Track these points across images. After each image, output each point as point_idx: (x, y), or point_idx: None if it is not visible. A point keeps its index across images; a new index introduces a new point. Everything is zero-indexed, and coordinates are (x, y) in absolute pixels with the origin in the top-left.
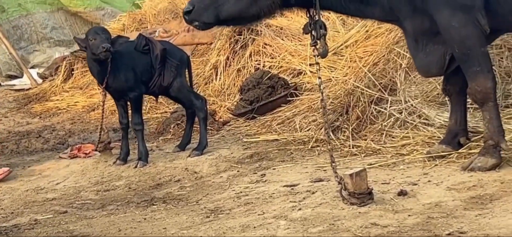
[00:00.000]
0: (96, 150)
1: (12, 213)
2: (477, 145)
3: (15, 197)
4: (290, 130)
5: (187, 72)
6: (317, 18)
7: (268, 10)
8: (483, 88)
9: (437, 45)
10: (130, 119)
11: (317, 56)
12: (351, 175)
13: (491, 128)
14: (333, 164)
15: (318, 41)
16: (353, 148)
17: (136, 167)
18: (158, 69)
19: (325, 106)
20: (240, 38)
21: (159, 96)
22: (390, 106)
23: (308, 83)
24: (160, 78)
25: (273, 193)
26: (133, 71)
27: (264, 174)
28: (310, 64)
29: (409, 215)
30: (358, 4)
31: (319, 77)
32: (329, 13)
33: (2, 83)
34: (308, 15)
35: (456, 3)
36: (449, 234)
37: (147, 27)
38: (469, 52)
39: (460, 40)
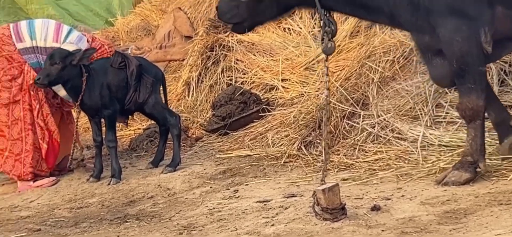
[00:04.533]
0: (69, 167)
1: None
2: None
3: None
4: (262, 145)
5: (161, 89)
6: (323, 16)
7: (277, 11)
8: (475, 106)
9: (443, 60)
10: (103, 136)
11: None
12: (323, 190)
13: (473, 145)
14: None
15: (324, 38)
16: (326, 163)
17: (109, 184)
18: (134, 85)
19: (328, 104)
20: (212, 54)
21: (133, 113)
22: (362, 121)
23: (280, 98)
24: (136, 94)
25: (246, 209)
26: (108, 88)
27: (237, 190)
28: (282, 80)
29: (382, 230)
30: (362, 10)
31: (327, 75)
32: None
33: None
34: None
35: (462, 15)
36: None
37: (119, 44)
38: (466, 69)
39: (460, 55)
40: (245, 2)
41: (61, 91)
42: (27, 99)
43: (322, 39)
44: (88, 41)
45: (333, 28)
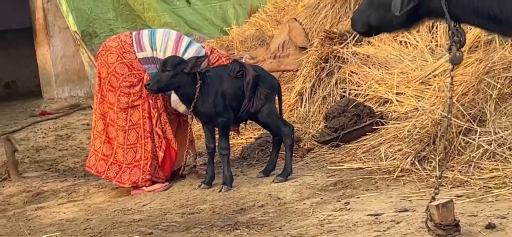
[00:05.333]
0: (181, 173)
1: (100, 233)
2: None
3: (103, 217)
4: (375, 158)
5: (276, 99)
6: (452, 26)
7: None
8: None
9: None
10: (216, 144)
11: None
12: (437, 205)
13: None
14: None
15: (452, 47)
16: (440, 179)
17: (220, 191)
18: (249, 95)
19: (450, 113)
20: (326, 65)
21: (246, 121)
22: (479, 138)
23: (394, 112)
24: (250, 104)
25: (357, 222)
26: (223, 96)
27: (348, 202)
28: (397, 93)
29: None
30: (491, 22)
31: (451, 84)
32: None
33: (92, 106)
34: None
35: None
36: None
37: (234, 53)
38: None
39: None
40: (375, 12)
41: (173, 98)
42: (146, 107)
43: (450, 49)
44: (206, 54)
45: (461, 38)
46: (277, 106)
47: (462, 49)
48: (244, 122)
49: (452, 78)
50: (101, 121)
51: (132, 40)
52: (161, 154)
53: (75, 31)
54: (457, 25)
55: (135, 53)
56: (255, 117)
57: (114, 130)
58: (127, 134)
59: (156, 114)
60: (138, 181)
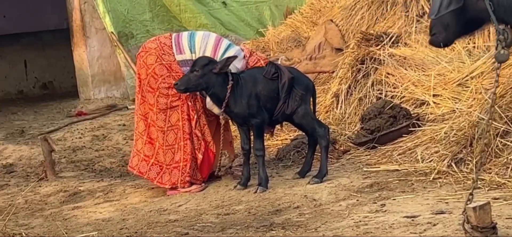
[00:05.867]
0: (217, 174)
1: (136, 232)
2: None
3: (139, 217)
4: (411, 160)
5: (311, 100)
6: (497, 26)
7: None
8: None
9: None
10: (251, 145)
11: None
12: (474, 208)
13: None
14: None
15: (498, 45)
16: (476, 181)
17: (256, 192)
18: (284, 97)
19: (491, 113)
20: (363, 67)
21: (282, 123)
22: None
23: (430, 114)
24: (285, 106)
25: (393, 224)
26: (257, 98)
27: (384, 204)
28: (434, 95)
29: None
30: None
31: (496, 81)
32: None
33: (129, 107)
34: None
35: None
36: None
37: (269, 54)
38: None
39: None
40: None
41: (208, 100)
42: (185, 109)
43: (496, 47)
44: (245, 57)
45: (507, 36)
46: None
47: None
48: (279, 124)
49: (497, 76)
50: (142, 121)
51: (171, 42)
52: (200, 156)
53: (112, 32)
54: (504, 26)
55: (174, 55)
56: (290, 119)
57: (155, 131)
58: (166, 135)
59: (195, 116)
60: (177, 183)
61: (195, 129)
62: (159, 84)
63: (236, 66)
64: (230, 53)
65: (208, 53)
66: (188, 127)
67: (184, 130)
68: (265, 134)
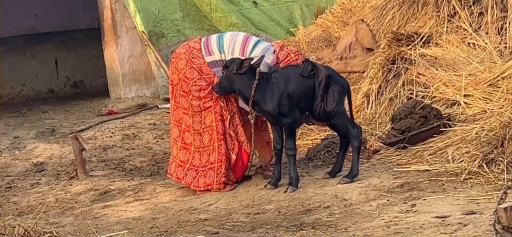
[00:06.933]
0: (247, 173)
1: (166, 231)
2: None
3: (169, 216)
4: (442, 161)
5: (346, 100)
6: None
7: None
8: None
9: None
10: (283, 144)
11: None
12: (505, 208)
13: None
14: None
15: None
16: (508, 181)
17: (286, 191)
18: (321, 95)
19: None
20: (393, 67)
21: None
22: None
23: (461, 114)
24: (323, 104)
25: (423, 224)
26: (289, 97)
27: (415, 204)
28: (465, 95)
29: None
30: None
31: None
32: None
33: (159, 106)
34: None
35: None
36: None
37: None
38: None
39: None
40: None
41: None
42: (218, 110)
43: None
44: (274, 52)
45: None
46: (346, 107)
47: None
48: (321, 121)
49: None
50: (176, 127)
51: (200, 45)
52: (233, 156)
53: (143, 32)
54: None
55: (203, 57)
56: (326, 119)
57: (190, 135)
58: (202, 137)
59: (228, 116)
60: (212, 184)
61: (229, 129)
62: (191, 88)
63: (266, 61)
64: (258, 49)
65: (237, 52)
66: (222, 127)
67: (218, 130)
68: (296, 134)
